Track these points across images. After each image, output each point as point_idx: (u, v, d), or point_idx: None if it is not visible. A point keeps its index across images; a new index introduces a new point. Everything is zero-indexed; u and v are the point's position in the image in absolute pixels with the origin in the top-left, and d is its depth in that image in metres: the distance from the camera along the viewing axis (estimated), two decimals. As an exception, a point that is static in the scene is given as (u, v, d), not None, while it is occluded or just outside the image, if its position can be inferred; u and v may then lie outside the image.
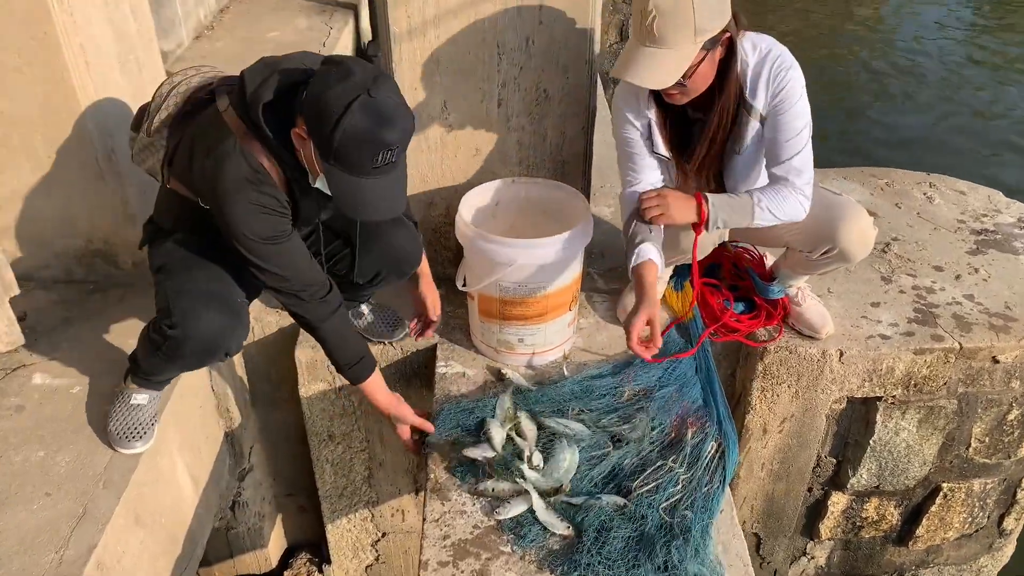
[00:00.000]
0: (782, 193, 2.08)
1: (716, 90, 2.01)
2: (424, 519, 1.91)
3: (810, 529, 2.97)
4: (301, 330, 2.47)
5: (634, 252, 2.10)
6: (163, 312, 1.90)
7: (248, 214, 1.73)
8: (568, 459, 1.98)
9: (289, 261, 1.84)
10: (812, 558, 3.06)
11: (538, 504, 1.90)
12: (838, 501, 2.85)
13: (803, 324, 2.51)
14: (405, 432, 2.15)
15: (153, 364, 1.99)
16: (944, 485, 2.83)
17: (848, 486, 2.79)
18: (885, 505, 2.88)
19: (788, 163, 2.06)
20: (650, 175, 2.18)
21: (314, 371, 2.47)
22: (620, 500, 1.90)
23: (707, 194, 2.08)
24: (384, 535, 2.93)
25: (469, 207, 2.30)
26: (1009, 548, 3.23)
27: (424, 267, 2.29)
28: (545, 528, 1.86)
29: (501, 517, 1.88)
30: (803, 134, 2.05)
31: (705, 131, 2.09)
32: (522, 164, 2.49)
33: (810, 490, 2.87)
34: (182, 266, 1.95)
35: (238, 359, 2.60)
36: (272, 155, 1.74)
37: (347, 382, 2.09)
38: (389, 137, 1.59)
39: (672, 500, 1.91)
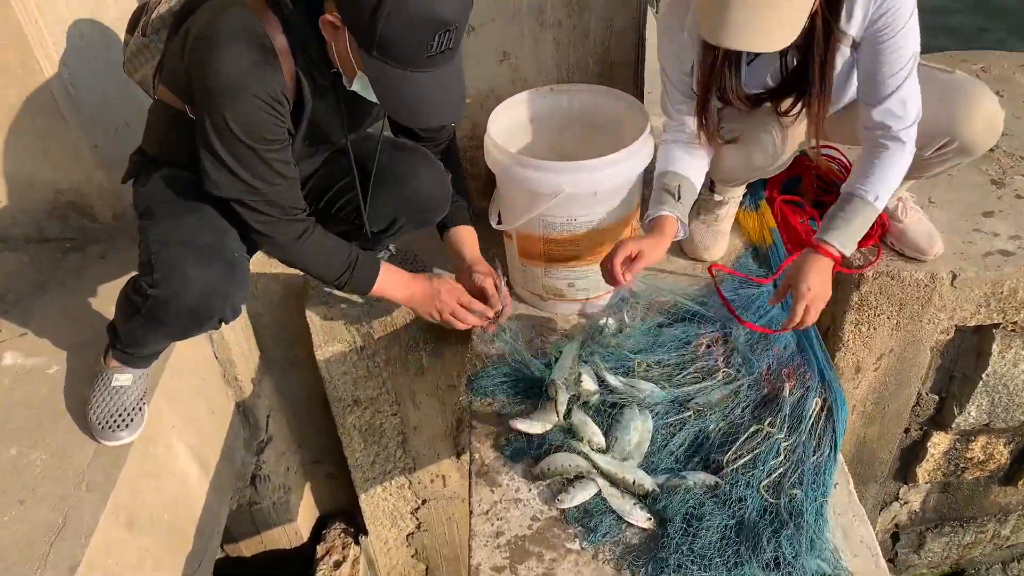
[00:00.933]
0: (884, 163, 1.67)
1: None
2: (471, 511, 1.57)
3: (904, 473, 2.62)
4: (311, 286, 2.13)
5: (656, 210, 1.76)
6: (144, 267, 1.56)
7: (239, 90, 1.36)
8: (639, 429, 1.62)
9: (269, 173, 1.49)
10: (905, 503, 2.72)
11: (609, 488, 1.55)
12: (939, 442, 2.49)
13: (906, 244, 2.09)
14: (467, 319, 1.82)
15: (132, 333, 1.64)
16: (1064, 419, 2.44)
17: (953, 425, 2.42)
18: (994, 443, 2.51)
19: (887, 103, 1.62)
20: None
21: (330, 331, 2.11)
22: (710, 478, 1.55)
23: (825, 240, 1.67)
24: (424, 502, 2.63)
25: (499, 125, 1.89)
26: None
27: (470, 243, 1.91)
28: (620, 518, 1.52)
29: (564, 506, 1.54)
30: (908, 66, 1.60)
31: (803, 74, 1.65)
32: (560, 69, 2.06)
33: (907, 431, 2.50)
34: (169, 210, 1.59)
35: (243, 319, 2.25)
36: (291, 39, 1.40)
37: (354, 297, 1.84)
38: (446, 12, 1.24)
39: (774, 475, 1.55)
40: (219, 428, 2.17)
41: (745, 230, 2.18)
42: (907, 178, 2.02)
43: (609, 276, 1.70)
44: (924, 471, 2.57)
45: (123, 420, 1.72)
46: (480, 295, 1.82)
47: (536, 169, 1.74)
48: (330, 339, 2.13)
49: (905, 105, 1.62)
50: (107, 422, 1.71)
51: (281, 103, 1.43)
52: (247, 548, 2.70)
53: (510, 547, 1.49)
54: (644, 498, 1.54)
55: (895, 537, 2.84)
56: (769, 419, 1.64)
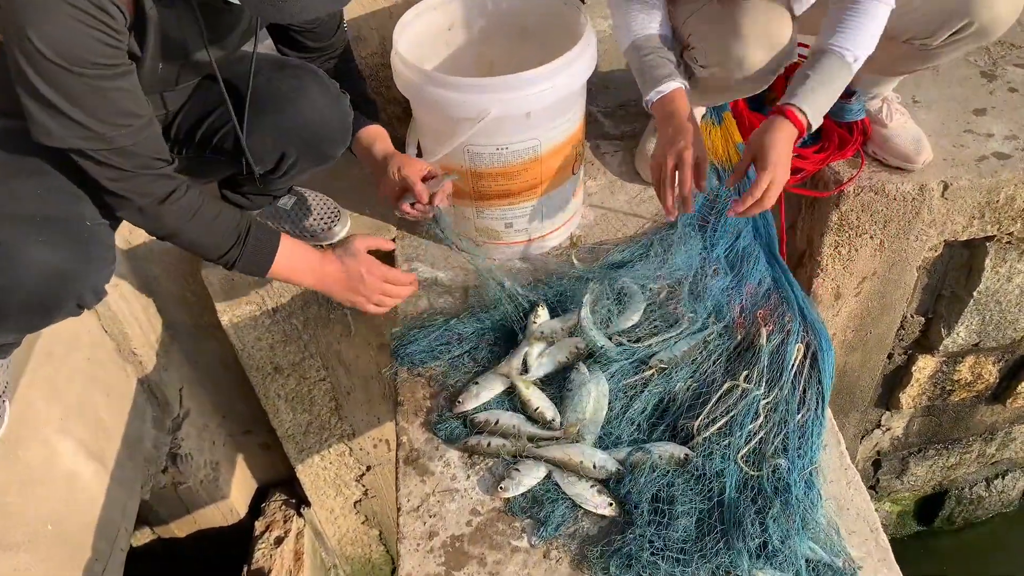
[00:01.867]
0: (861, 14, 1.37)
1: None
2: (399, 508, 1.31)
3: (887, 399, 2.43)
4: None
5: (655, 88, 1.44)
6: None
7: (55, 14, 1.04)
8: (594, 395, 1.37)
9: (109, 110, 1.15)
10: (887, 430, 2.54)
11: (560, 471, 1.30)
12: (925, 366, 2.29)
13: (891, 152, 1.82)
14: (399, 294, 1.51)
15: None
16: (1058, 332, 2.25)
17: (940, 348, 2.21)
18: (982, 363, 2.32)
19: None
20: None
21: (233, 292, 1.81)
22: (679, 450, 1.30)
23: (793, 104, 1.38)
24: (369, 468, 2.39)
25: (410, 37, 1.56)
26: (1116, 387, 2.71)
27: (382, 139, 1.56)
28: (575, 504, 1.28)
29: (509, 494, 1.29)
30: None
31: None
32: (481, -36, 1.71)
33: (890, 357, 2.30)
34: (2, 174, 1.25)
35: (137, 286, 1.93)
36: None
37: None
38: None
39: (753, 442, 1.31)
40: (118, 412, 1.89)
41: (708, 147, 1.89)
42: (902, 72, 1.74)
43: (685, 204, 1.42)
44: (908, 396, 2.38)
45: (-24, 424, 1.42)
46: (408, 191, 1.49)
47: (455, 89, 1.42)
48: (235, 302, 1.83)
49: None
50: (-44, 429, 1.41)
51: (108, 13, 1.08)
52: (179, 529, 2.46)
53: (446, 550, 1.25)
54: (606, 481, 1.30)
55: (876, 464, 2.67)
56: (745, 373, 1.39)
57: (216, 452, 2.35)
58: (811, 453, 1.30)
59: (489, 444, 1.35)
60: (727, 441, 1.30)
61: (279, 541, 2.39)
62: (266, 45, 1.49)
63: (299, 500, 2.52)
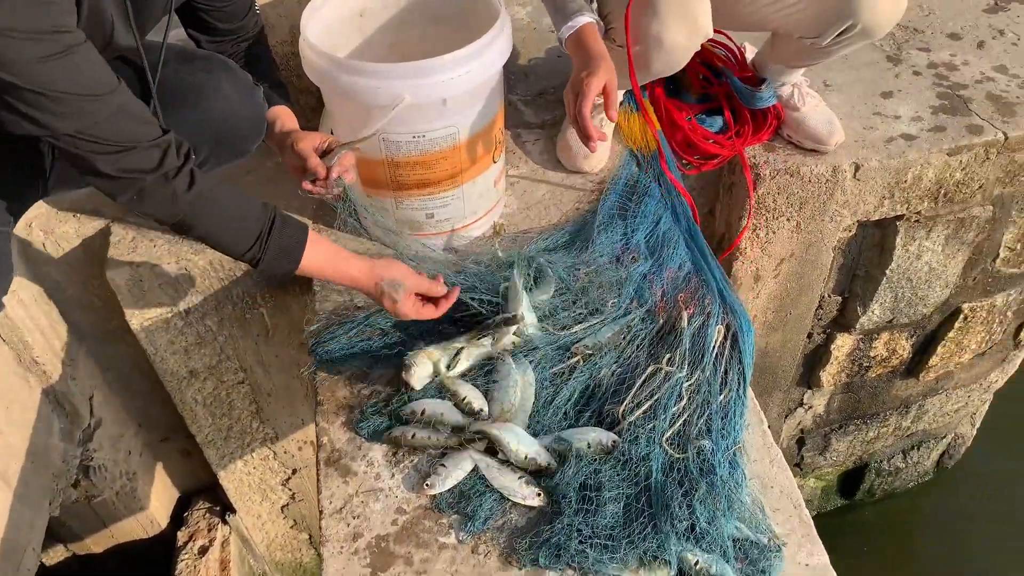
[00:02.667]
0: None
1: None
2: (320, 511, 1.27)
3: (808, 378, 2.49)
4: (111, 241, 1.72)
5: (566, 24, 1.46)
6: None
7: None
8: (520, 384, 1.35)
9: (86, 82, 1.04)
10: (809, 408, 2.60)
11: (487, 462, 1.28)
12: (843, 344, 2.35)
13: (804, 135, 1.86)
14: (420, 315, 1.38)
15: None
16: (965, 306, 2.34)
17: (857, 326, 2.27)
18: (896, 339, 2.40)
19: None
20: None
21: (142, 294, 1.73)
22: (607, 437, 1.29)
23: None
24: (295, 471, 2.32)
25: (319, 24, 1.50)
26: (1019, 359, 2.84)
27: (283, 115, 1.51)
28: (503, 497, 1.26)
29: (435, 491, 1.26)
30: None
31: None
32: (392, -51, 1.66)
33: (809, 336, 2.35)
34: None
35: (37, 292, 1.83)
36: None
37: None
38: None
39: (677, 424, 1.31)
40: (20, 425, 1.78)
41: (627, 134, 1.89)
42: (803, 65, 1.79)
43: (585, 134, 1.41)
44: (828, 374, 2.44)
45: None
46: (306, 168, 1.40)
47: (367, 75, 1.38)
48: (143, 304, 1.74)
49: None
50: None
51: None
52: (96, 544, 2.34)
53: (371, 551, 1.21)
54: (536, 473, 1.28)
55: (800, 442, 2.74)
56: (667, 356, 1.40)
57: (132, 462, 2.24)
58: (734, 433, 1.31)
59: (414, 435, 1.32)
60: (652, 424, 1.30)
61: (203, 551, 2.30)
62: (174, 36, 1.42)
63: (224, 507, 2.43)
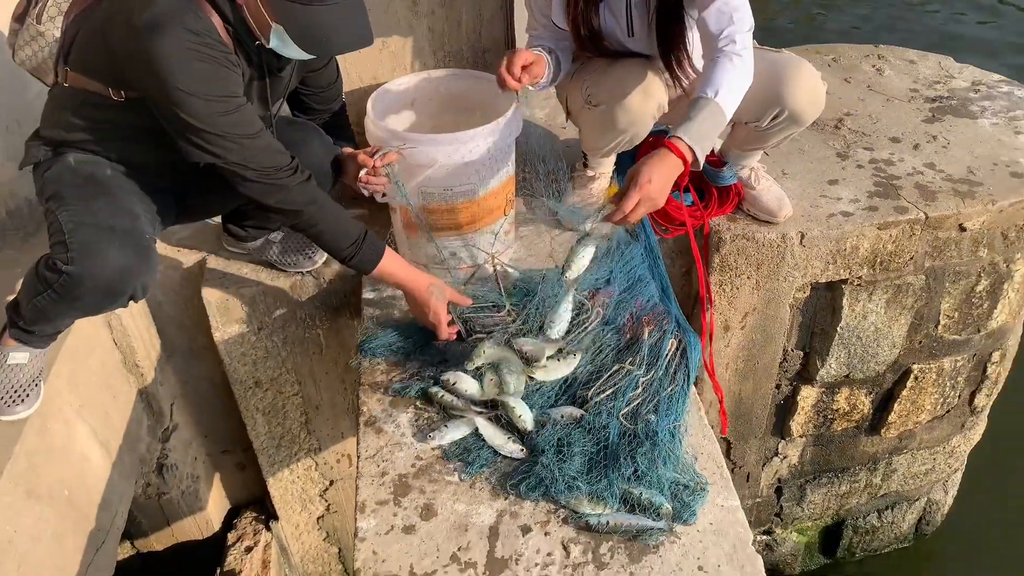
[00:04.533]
0: (719, 67, 1.74)
1: None
2: (359, 456, 1.68)
3: (781, 427, 2.84)
4: (206, 267, 2.21)
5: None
6: (59, 246, 1.62)
7: (194, 64, 1.49)
8: (515, 377, 1.77)
9: (245, 129, 1.60)
10: (784, 457, 2.93)
11: (484, 425, 1.69)
12: (808, 395, 2.72)
13: (759, 208, 2.32)
14: (442, 326, 1.85)
15: (40, 309, 1.69)
16: (914, 367, 2.70)
17: (817, 378, 2.65)
18: (856, 394, 2.75)
19: (715, 4, 1.76)
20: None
21: (227, 311, 2.20)
22: (576, 411, 1.70)
23: (677, 136, 1.67)
24: (332, 483, 2.71)
25: (380, 107, 2.03)
26: (980, 426, 3.15)
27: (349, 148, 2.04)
28: (496, 452, 1.66)
29: (435, 443, 1.67)
30: None
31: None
32: (436, 56, 2.21)
33: (778, 387, 2.72)
34: (79, 194, 1.67)
35: (143, 308, 2.31)
36: (223, 18, 1.56)
37: (358, 271, 1.85)
38: None
39: (632, 405, 1.72)
40: (121, 413, 2.22)
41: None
42: (752, 151, 2.26)
43: (502, 80, 1.83)
44: (797, 424, 2.79)
45: (19, 396, 1.77)
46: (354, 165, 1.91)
47: (411, 143, 1.88)
48: (227, 320, 2.21)
49: (734, 8, 1.75)
50: (3, 397, 1.76)
51: (234, 63, 1.57)
52: (158, 542, 2.73)
53: (394, 484, 1.61)
54: (521, 435, 1.68)
55: (779, 491, 3.05)
56: (630, 359, 1.81)
57: (197, 466, 2.66)
58: (676, 414, 1.70)
59: (442, 396, 1.74)
60: (612, 404, 1.70)
61: (249, 550, 2.67)
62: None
63: (268, 516, 2.82)
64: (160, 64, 1.47)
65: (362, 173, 1.87)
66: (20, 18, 1.74)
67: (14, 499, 1.68)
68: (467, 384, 1.76)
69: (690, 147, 1.67)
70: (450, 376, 1.76)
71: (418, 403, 1.78)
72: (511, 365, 1.78)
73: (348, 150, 1.97)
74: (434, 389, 1.76)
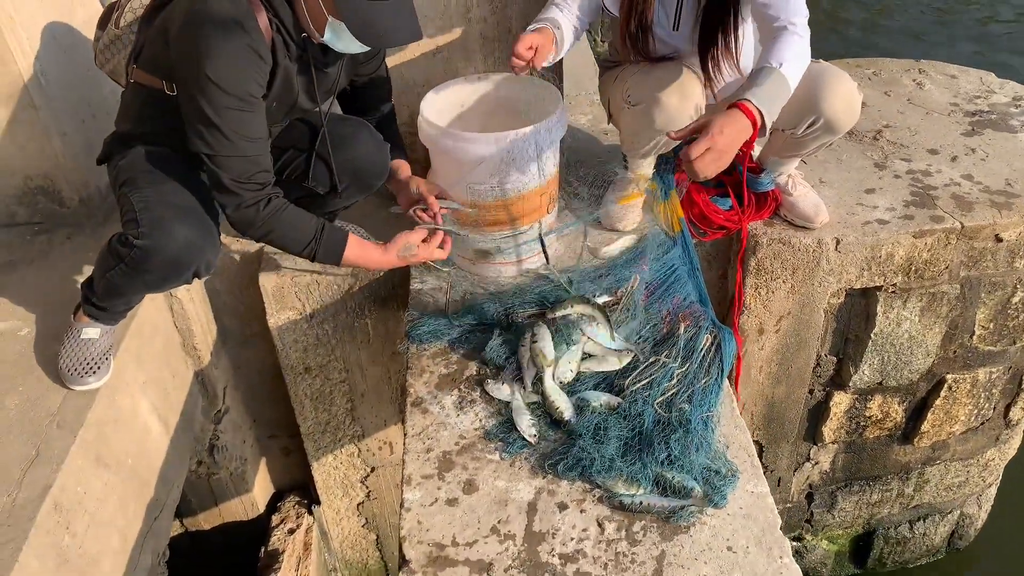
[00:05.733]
0: (782, 41, 1.77)
1: None
2: (406, 434, 1.77)
3: (813, 433, 2.88)
4: (265, 256, 2.33)
5: (538, 23, 2.02)
6: (130, 223, 1.76)
7: (226, 55, 1.59)
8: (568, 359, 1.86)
9: (246, 131, 1.69)
10: (816, 463, 2.97)
11: (517, 404, 1.77)
12: (840, 401, 2.75)
13: (796, 214, 2.38)
14: (429, 257, 2.01)
15: (112, 283, 1.82)
16: (948, 377, 2.73)
17: (850, 384, 2.69)
18: (889, 402, 2.78)
19: (789, 9, 1.82)
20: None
21: (281, 298, 2.32)
22: (613, 399, 1.78)
23: (747, 100, 1.68)
24: (373, 470, 2.81)
25: (432, 108, 2.13)
26: (1016, 439, 3.15)
27: (404, 167, 2.16)
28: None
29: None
30: None
31: None
32: (487, 62, 2.32)
33: (811, 392, 2.76)
34: (150, 179, 1.80)
35: (202, 293, 2.44)
36: (269, 10, 1.67)
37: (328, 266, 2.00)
38: None
39: (668, 395, 1.79)
40: (179, 391, 2.35)
41: (658, 216, 2.43)
42: (790, 158, 2.32)
43: (512, 67, 1.94)
44: (829, 430, 2.83)
45: (91, 368, 1.90)
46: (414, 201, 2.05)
47: (461, 140, 1.98)
48: (282, 306, 2.33)
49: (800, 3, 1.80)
50: (76, 369, 1.89)
51: (264, 60, 1.66)
52: (206, 521, 2.85)
53: (438, 460, 1.70)
54: (558, 423, 1.76)
55: (810, 497, 3.08)
56: (666, 352, 1.89)
57: (246, 450, 2.78)
58: (709, 404, 1.77)
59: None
60: (648, 393, 1.78)
61: (291, 532, 2.78)
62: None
63: (311, 501, 2.93)
64: (199, 49, 1.58)
65: (416, 208, 2.00)
66: (102, 24, 1.89)
67: (85, 463, 1.80)
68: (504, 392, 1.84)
69: (759, 110, 1.67)
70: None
71: (462, 386, 1.87)
72: (591, 326, 1.88)
73: (409, 174, 2.09)
74: (492, 354, 1.87)
